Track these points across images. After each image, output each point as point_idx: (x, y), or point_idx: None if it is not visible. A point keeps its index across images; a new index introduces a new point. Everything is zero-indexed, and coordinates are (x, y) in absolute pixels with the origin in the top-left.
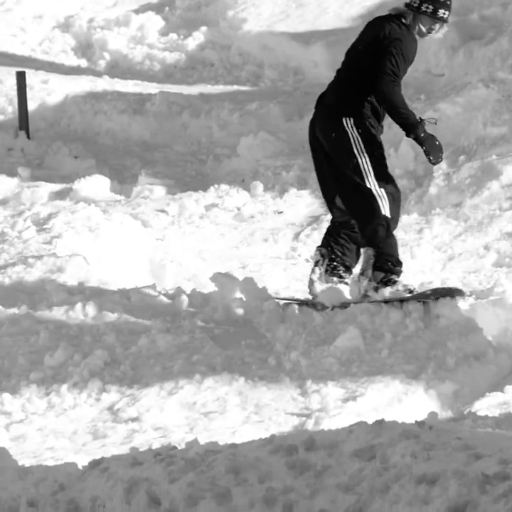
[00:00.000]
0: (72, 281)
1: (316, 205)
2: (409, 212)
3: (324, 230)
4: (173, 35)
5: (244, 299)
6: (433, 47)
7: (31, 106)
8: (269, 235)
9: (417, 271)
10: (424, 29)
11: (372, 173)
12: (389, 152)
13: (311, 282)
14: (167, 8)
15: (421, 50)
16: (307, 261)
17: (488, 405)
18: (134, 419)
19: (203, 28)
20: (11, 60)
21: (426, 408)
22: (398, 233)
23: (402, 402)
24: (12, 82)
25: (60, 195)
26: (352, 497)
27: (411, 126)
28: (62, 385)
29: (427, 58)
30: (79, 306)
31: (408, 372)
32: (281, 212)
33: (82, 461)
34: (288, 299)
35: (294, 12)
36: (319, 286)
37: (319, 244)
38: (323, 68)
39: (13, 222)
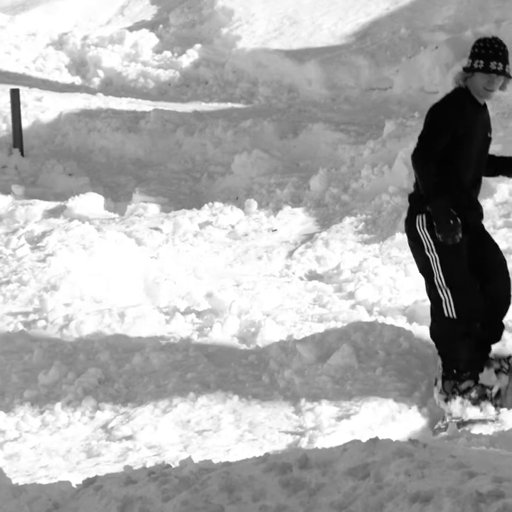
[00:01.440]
0: (66, 299)
1: (310, 223)
2: (404, 230)
3: (318, 248)
4: (168, 53)
5: (238, 318)
6: (427, 64)
7: (25, 123)
8: (263, 252)
9: (411, 289)
10: (481, 87)
11: (440, 271)
12: (383, 169)
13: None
14: (161, 26)
15: (415, 67)
16: (301, 279)
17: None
18: (128, 438)
19: (197, 46)
20: (5, 77)
21: (420, 426)
22: (392, 251)
23: (396, 420)
24: (6, 99)
25: (54, 213)
26: None
27: (427, 198)
28: (56, 403)
29: (421, 76)
30: (73, 324)
31: (402, 390)
32: (276, 230)
33: (76, 480)
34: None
35: (288, 29)
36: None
37: None
38: (317, 86)
39: (7, 240)
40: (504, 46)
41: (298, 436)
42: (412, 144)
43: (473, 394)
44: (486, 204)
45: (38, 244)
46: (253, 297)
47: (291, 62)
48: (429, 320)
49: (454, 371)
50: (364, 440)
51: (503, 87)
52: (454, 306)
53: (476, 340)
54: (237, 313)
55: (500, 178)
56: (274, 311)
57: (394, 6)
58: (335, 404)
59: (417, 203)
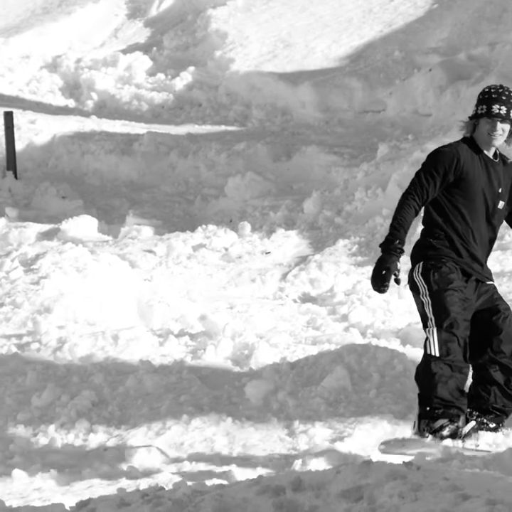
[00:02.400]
0: (60, 321)
1: (303, 245)
2: None
3: (311, 271)
4: (161, 75)
5: (232, 340)
6: (420, 87)
7: (19, 146)
8: (256, 275)
9: (405, 311)
10: (485, 132)
11: (431, 312)
12: (376, 192)
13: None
14: (155, 49)
15: (409, 90)
16: (295, 301)
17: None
18: (122, 460)
19: (191, 68)
20: None
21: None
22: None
23: None
24: None
25: (47, 235)
26: None
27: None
28: (49, 425)
29: (415, 98)
30: (66, 346)
31: (396, 412)
32: (269, 252)
33: (70, 502)
34: None
35: (281, 52)
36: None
37: None
38: (310, 108)
39: (1, 263)
40: (509, 92)
41: (291, 459)
42: (405, 167)
43: (445, 432)
44: None
45: (32, 267)
46: (247, 320)
47: (284, 85)
48: (422, 342)
49: (427, 408)
50: (358, 462)
51: (503, 132)
52: (437, 344)
53: (461, 382)
54: (230, 335)
55: None
56: (267, 333)
57: (387, 28)
58: (328, 427)
59: (415, 254)
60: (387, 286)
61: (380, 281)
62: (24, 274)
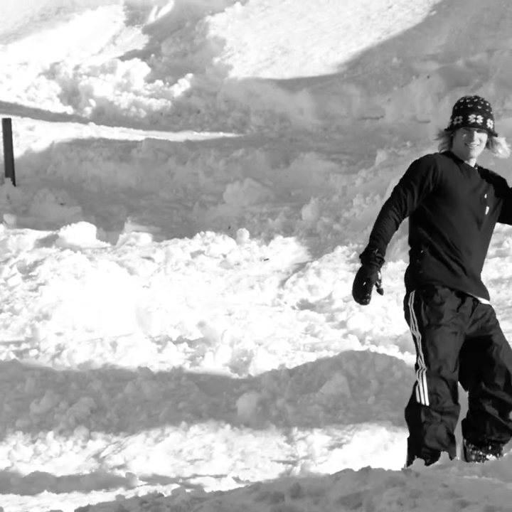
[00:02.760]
0: (58, 328)
1: (301, 252)
2: (395, 260)
3: (310, 278)
4: (159, 82)
5: (230, 347)
6: (419, 94)
7: (17, 153)
8: (255, 282)
9: (403, 318)
10: (462, 143)
11: (420, 350)
12: (375, 198)
13: None
14: (153, 55)
15: (407, 97)
16: (293, 308)
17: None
18: (120, 467)
19: (189, 75)
20: None
21: None
22: (384, 281)
23: (389, 449)
24: None
25: (46, 242)
26: None
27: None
28: (48, 432)
29: (413, 105)
30: (65, 353)
31: (394, 419)
32: (267, 259)
33: (68, 509)
34: None
35: (279, 59)
36: None
37: None
38: (309, 115)
39: None
40: (485, 102)
41: (290, 465)
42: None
43: None
44: None
45: (30, 274)
46: (245, 326)
47: (283, 92)
48: None
49: (416, 456)
50: (356, 469)
51: (492, 149)
52: (427, 393)
53: (451, 425)
54: (229, 342)
55: None
56: (266, 340)
57: (385, 35)
58: (327, 434)
59: (407, 281)
60: (369, 298)
61: (361, 293)
62: (22, 281)
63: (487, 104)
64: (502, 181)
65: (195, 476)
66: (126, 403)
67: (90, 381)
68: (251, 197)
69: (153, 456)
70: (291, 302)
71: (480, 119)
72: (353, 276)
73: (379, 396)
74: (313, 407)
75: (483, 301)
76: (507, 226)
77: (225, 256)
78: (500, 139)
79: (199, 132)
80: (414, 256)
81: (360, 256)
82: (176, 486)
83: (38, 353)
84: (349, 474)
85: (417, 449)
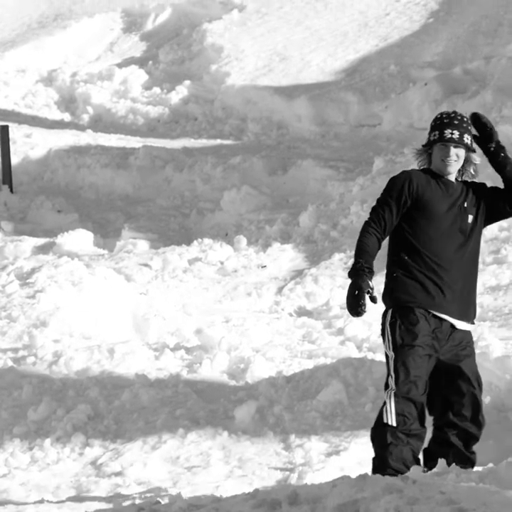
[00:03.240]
0: (56, 335)
1: (299, 259)
2: None
3: (307, 285)
4: (157, 89)
5: (228, 354)
6: (416, 101)
7: (14, 160)
8: (252, 289)
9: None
10: (439, 159)
11: (392, 370)
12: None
13: None
14: (150, 63)
15: (404, 104)
16: (290, 315)
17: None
18: (118, 474)
19: (187, 82)
20: None
21: None
22: (381, 287)
23: None
24: None
25: (43, 249)
26: None
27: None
28: (45, 439)
29: (410, 112)
30: (62, 360)
31: None
32: (265, 266)
33: None
34: None
35: (277, 66)
36: None
37: None
38: (306, 122)
39: None
40: (463, 117)
41: (287, 473)
42: None
43: None
44: None
45: (27, 281)
46: (242, 333)
47: (280, 99)
48: None
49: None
50: (354, 476)
51: (466, 167)
52: (394, 414)
53: (417, 448)
54: (226, 349)
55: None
56: (263, 347)
57: (383, 42)
58: (324, 441)
59: (386, 300)
60: (364, 306)
61: (355, 304)
62: (20, 288)
63: (465, 119)
64: (481, 185)
65: (192, 482)
66: (124, 410)
67: (87, 388)
68: (248, 204)
69: (150, 463)
70: (289, 309)
71: (456, 134)
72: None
73: (376, 403)
74: (311, 414)
75: (462, 326)
76: (504, 233)
77: (222, 263)
78: (476, 159)
79: (196, 139)
80: (388, 279)
81: (349, 272)
82: (173, 493)
83: (36, 360)
84: (346, 481)
85: (381, 470)
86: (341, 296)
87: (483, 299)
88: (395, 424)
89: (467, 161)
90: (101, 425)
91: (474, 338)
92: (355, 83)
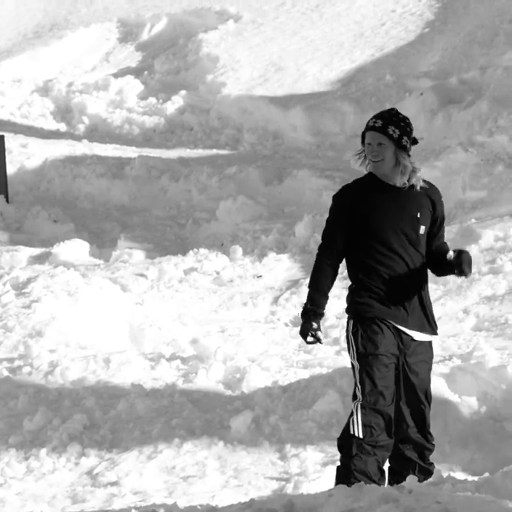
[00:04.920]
0: (52, 345)
1: (295, 269)
2: None
3: (303, 295)
4: (152, 99)
5: (223, 364)
6: (412, 111)
7: (10, 170)
8: (248, 299)
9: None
10: (369, 157)
11: (358, 380)
12: None
13: None
14: (146, 72)
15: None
16: (286, 325)
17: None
18: (113, 484)
19: (182, 92)
20: None
21: None
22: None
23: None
24: None
25: (39, 259)
26: None
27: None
28: (41, 449)
29: None
30: (58, 370)
31: None
32: (261, 276)
33: None
34: None
35: (272, 76)
36: None
37: None
38: (302, 132)
39: None
40: (397, 113)
41: (283, 482)
42: None
43: None
44: (472, 250)
45: (23, 291)
46: (238, 343)
47: (276, 109)
48: None
49: (348, 485)
50: (350, 486)
51: (403, 169)
52: (361, 426)
53: (382, 459)
54: (222, 359)
55: (487, 223)
56: (259, 357)
57: (379, 52)
58: (320, 450)
59: (347, 309)
60: (314, 343)
61: (306, 341)
62: (15, 298)
63: (400, 117)
64: (434, 205)
65: (188, 492)
66: (120, 420)
67: (83, 398)
68: (244, 214)
69: (146, 472)
70: (285, 319)
71: (379, 123)
72: (345, 293)
73: None
74: (307, 424)
75: (422, 337)
76: (500, 243)
77: (218, 273)
78: (417, 167)
79: (192, 149)
80: (349, 290)
81: (301, 313)
82: (169, 502)
83: (31, 369)
84: (342, 491)
85: (345, 479)
86: (337, 306)
87: (479, 309)
88: (361, 436)
89: (398, 161)
90: (97, 435)
91: (469, 349)
92: (351, 93)
